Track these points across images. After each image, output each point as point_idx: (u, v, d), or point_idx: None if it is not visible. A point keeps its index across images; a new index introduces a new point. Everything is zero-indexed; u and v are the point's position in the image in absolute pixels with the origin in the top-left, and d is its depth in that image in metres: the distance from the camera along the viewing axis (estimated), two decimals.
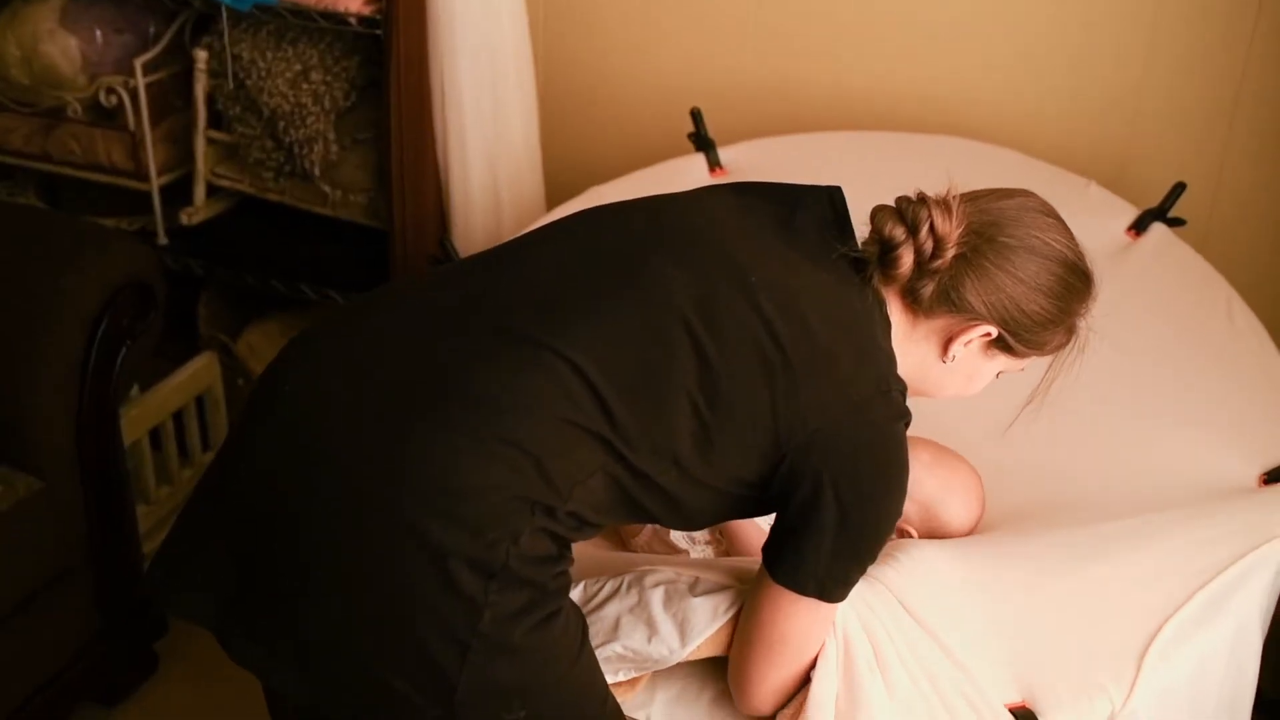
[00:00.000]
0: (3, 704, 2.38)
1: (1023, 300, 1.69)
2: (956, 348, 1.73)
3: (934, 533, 2.11)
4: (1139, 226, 2.69)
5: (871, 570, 1.87)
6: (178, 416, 3.16)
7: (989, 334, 1.72)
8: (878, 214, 1.72)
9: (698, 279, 1.62)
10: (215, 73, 3.14)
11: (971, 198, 1.73)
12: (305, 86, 3.03)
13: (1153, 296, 2.58)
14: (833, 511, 1.62)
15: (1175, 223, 2.69)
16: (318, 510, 1.55)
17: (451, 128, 2.97)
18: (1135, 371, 2.45)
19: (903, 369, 1.70)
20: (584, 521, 1.60)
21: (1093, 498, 2.21)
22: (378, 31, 2.92)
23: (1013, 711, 1.80)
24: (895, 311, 1.73)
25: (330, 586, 1.54)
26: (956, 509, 2.12)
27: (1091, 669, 1.86)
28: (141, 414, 2.99)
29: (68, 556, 2.50)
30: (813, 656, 1.75)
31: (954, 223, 1.67)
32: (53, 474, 2.45)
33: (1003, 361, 1.78)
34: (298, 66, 3.03)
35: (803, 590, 1.66)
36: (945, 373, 1.77)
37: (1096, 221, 2.67)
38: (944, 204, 1.69)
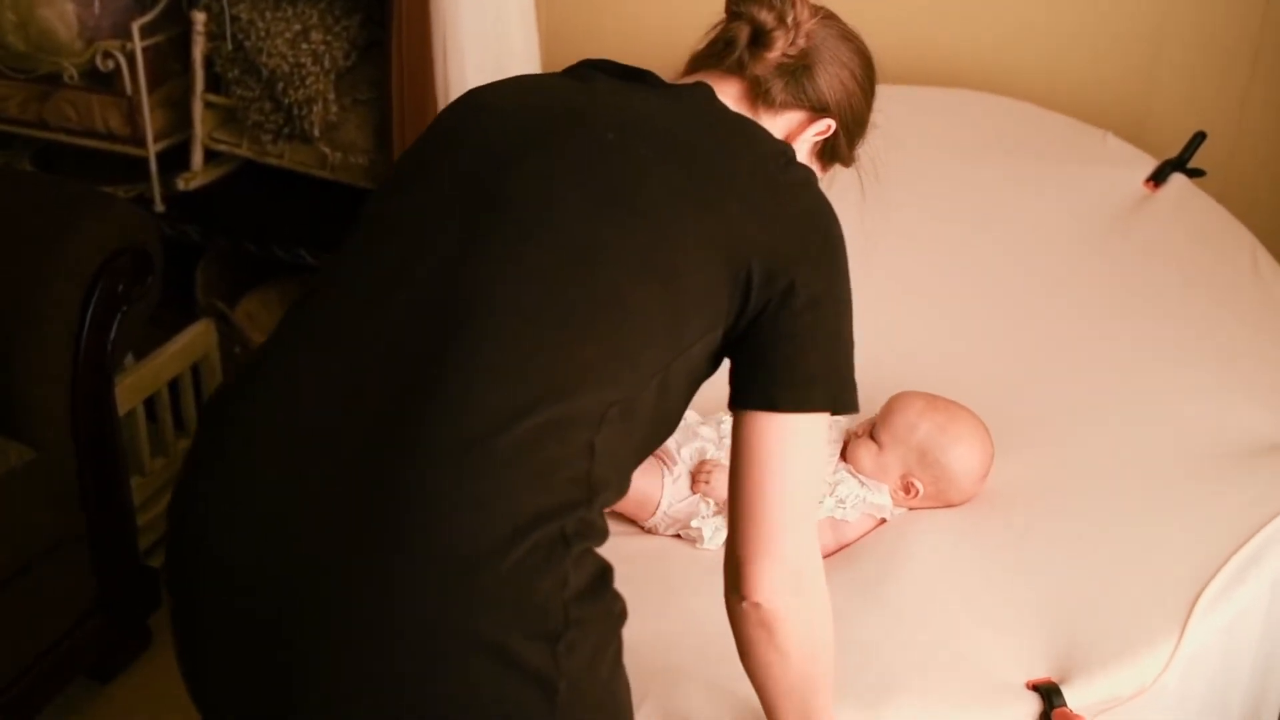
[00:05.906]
0: None
1: (853, 96, 1.67)
2: (797, 146, 1.65)
3: (940, 481, 2.05)
4: (1158, 178, 2.66)
5: (888, 556, 1.85)
6: (173, 386, 3.10)
7: (828, 129, 1.66)
8: (737, 6, 1.65)
9: (567, 169, 1.48)
10: (214, 35, 3.11)
11: None
12: (305, 46, 3.00)
13: (1174, 249, 2.55)
14: (811, 315, 1.48)
15: (1195, 173, 2.67)
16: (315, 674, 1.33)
17: (454, 87, 2.91)
18: (1159, 326, 2.42)
19: None
20: (608, 486, 1.42)
21: (1119, 456, 2.17)
22: None
23: (1036, 687, 1.73)
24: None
25: None
26: (960, 453, 2.05)
27: (1126, 641, 1.80)
28: (136, 383, 2.93)
29: (61, 529, 2.44)
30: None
31: (809, 11, 1.62)
32: (46, 444, 2.40)
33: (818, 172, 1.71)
34: (297, 26, 3.01)
35: (814, 406, 1.47)
36: None
37: (1115, 173, 2.67)
38: None
